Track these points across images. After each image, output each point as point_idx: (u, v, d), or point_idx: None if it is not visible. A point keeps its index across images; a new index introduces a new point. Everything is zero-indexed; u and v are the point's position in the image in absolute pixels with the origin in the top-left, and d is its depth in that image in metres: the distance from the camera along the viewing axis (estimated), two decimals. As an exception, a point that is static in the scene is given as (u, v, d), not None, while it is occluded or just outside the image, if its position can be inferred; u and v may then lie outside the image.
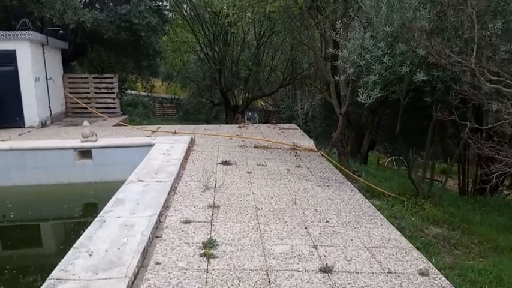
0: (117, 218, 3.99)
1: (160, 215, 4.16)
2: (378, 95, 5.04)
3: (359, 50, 5.39)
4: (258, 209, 4.53)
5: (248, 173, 5.97)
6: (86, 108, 10.60)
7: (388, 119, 13.38)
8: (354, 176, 6.90)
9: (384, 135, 14.84)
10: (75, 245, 3.38)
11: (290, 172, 6.16)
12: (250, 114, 29.88)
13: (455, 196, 8.75)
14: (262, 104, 27.76)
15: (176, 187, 5.13)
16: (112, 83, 11.64)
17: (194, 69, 21.02)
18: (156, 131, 9.11)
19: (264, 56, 17.06)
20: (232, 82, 16.93)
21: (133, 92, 24.18)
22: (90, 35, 11.35)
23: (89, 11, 10.37)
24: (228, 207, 4.52)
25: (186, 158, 6.56)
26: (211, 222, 4.09)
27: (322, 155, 7.64)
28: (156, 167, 5.80)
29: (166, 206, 4.44)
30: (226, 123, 16.81)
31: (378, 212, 4.74)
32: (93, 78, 11.67)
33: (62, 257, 3.17)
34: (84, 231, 3.69)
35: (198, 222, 4.08)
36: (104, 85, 11.66)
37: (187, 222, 4.06)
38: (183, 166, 6.05)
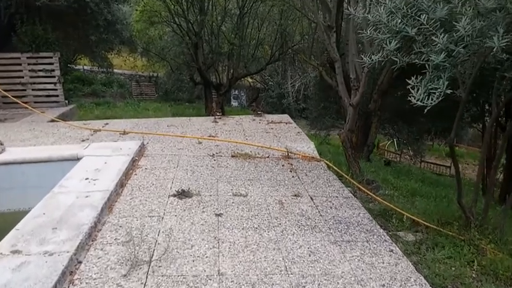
0: None
1: None
2: (448, 91, 2.72)
3: (403, 9, 3.06)
4: (225, 327, 2.27)
5: (217, 215, 3.67)
6: (8, 96, 8.05)
7: (395, 100, 11.16)
8: (369, 192, 4.79)
9: (387, 117, 12.61)
10: None
11: (284, 209, 3.88)
12: (236, 93, 27.35)
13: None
14: (250, 81, 25.17)
15: (80, 263, 2.81)
16: (52, 63, 8.97)
17: (170, 43, 18.21)
18: (101, 130, 6.72)
19: (248, 28, 14.41)
20: (212, 59, 14.34)
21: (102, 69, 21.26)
22: (22, 2, 8.69)
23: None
24: (162, 330, 2.24)
25: (121, 184, 4.22)
26: None
27: (328, 165, 5.36)
28: (61, 211, 3.46)
29: (33, 335, 2.15)
30: (206, 107, 14.38)
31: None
32: (27, 58, 8.99)
33: None
34: None
35: None
36: (41, 67, 9.02)
37: None
38: (109, 206, 3.72)
